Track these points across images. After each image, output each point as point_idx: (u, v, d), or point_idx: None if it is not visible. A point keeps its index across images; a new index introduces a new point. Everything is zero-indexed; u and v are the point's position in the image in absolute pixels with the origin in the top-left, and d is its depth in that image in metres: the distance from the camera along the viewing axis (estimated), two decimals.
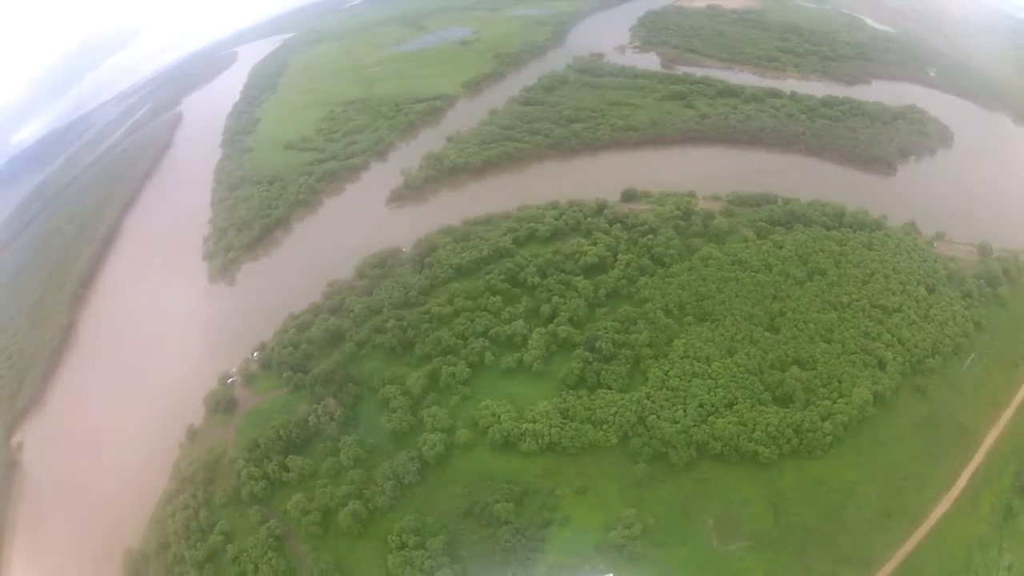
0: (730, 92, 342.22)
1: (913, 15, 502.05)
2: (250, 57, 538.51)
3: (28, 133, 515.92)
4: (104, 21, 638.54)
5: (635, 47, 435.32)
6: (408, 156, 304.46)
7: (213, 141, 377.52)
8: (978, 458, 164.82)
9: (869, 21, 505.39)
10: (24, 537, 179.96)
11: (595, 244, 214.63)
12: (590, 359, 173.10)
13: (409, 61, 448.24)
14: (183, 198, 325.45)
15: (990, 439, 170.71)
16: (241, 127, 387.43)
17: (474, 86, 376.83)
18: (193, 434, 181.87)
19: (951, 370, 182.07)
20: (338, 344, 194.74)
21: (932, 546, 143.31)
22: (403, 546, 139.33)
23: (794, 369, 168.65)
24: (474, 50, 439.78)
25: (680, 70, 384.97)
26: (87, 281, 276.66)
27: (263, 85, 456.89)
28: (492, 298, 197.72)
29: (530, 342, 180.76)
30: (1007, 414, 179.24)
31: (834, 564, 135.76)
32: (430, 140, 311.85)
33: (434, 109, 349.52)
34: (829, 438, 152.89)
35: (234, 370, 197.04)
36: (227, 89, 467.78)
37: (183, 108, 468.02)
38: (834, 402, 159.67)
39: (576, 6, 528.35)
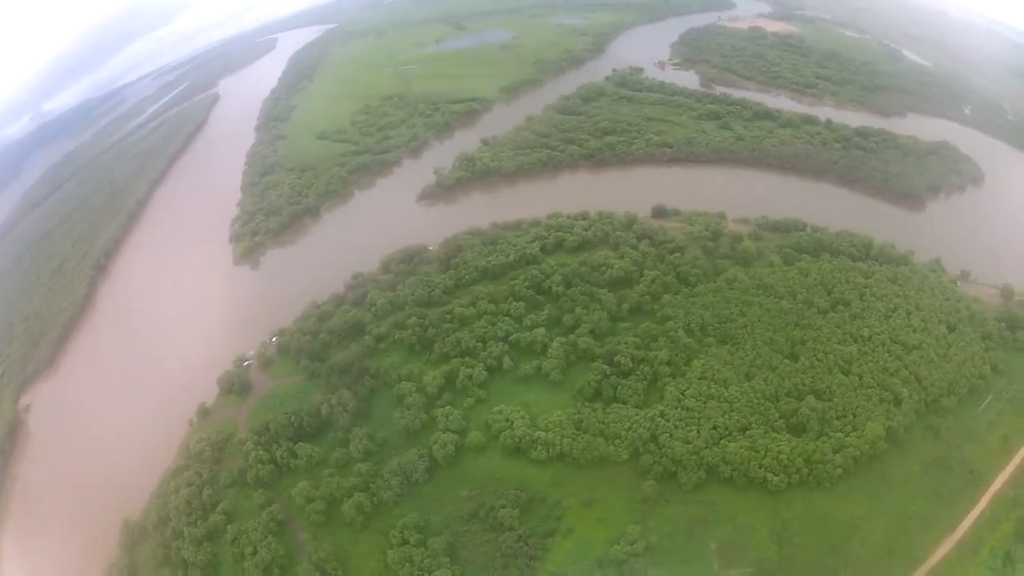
0: (766, 115, 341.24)
1: (950, 51, 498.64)
2: (290, 44, 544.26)
3: (61, 101, 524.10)
4: None
5: (675, 64, 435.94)
6: (442, 155, 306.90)
7: (248, 125, 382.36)
8: (984, 502, 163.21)
9: (907, 53, 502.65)
10: (22, 497, 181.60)
11: (622, 258, 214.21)
12: (608, 373, 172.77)
13: (448, 61, 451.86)
14: (214, 178, 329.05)
15: (997, 484, 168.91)
16: (277, 113, 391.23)
17: (512, 91, 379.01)
18: (204, 413, 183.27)
19: (965, 411, 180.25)
20: (358, 336, 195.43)
21: None
22: (404, 542, 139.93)
23: (810, 399, 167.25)
24: (513, 55, 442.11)
25: (718, 90, 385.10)
26: (111, 252, 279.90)
27: (302, 73, 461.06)
28: (515, 304, 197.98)
29: (550, 351, 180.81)
30: (1016, 460, 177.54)
31: None
32: (465, 141, 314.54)
33: (471, 111, 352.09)
34: (839, 471, 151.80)
35: (251, 353, 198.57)
36: (265, 74, 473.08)
37: (220, 89, 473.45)
38: (847, 435, 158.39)
39: (617, 18, 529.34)
